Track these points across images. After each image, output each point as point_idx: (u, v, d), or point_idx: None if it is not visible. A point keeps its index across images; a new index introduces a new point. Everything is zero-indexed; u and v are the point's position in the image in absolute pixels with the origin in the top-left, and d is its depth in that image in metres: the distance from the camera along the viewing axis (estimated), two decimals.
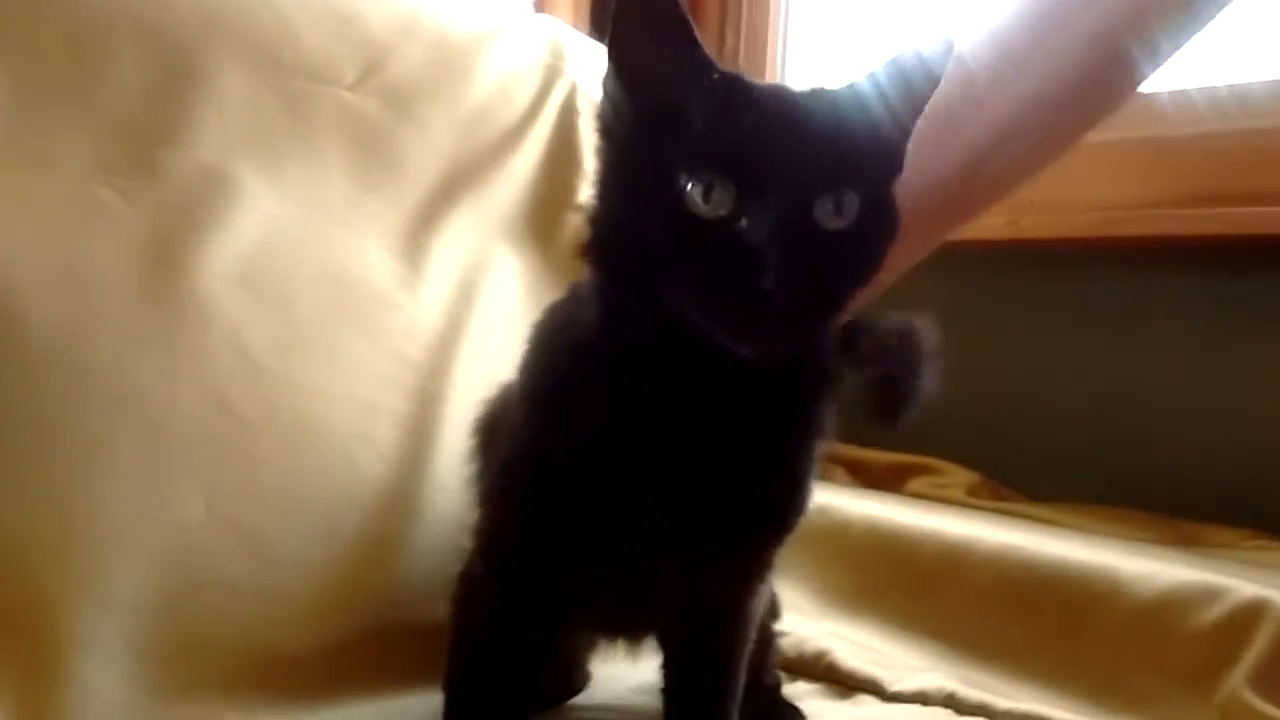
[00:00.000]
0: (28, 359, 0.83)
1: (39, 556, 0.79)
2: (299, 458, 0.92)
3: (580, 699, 0.92)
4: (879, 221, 0.56)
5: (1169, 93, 1.26)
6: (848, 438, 1.47)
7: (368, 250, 1.07)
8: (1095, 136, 1.29)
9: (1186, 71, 1.27)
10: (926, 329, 0.75)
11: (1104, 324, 1.29)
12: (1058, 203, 1.30)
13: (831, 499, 1.18)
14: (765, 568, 0.70)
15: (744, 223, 0.52)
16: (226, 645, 0.84)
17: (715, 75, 0.55)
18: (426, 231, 1.12)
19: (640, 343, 0.58)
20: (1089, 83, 0.75)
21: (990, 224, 1.34)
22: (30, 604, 0.78)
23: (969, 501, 1.28)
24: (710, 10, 1.76)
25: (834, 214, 0.54)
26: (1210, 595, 0.89)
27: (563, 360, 0.63)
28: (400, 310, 1.05)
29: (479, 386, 1.02)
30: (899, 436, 1.42)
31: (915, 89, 0.58)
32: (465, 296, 1.11)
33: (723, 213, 0.53)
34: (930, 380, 0.73)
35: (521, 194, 1.24)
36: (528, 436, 0.64)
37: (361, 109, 1.12)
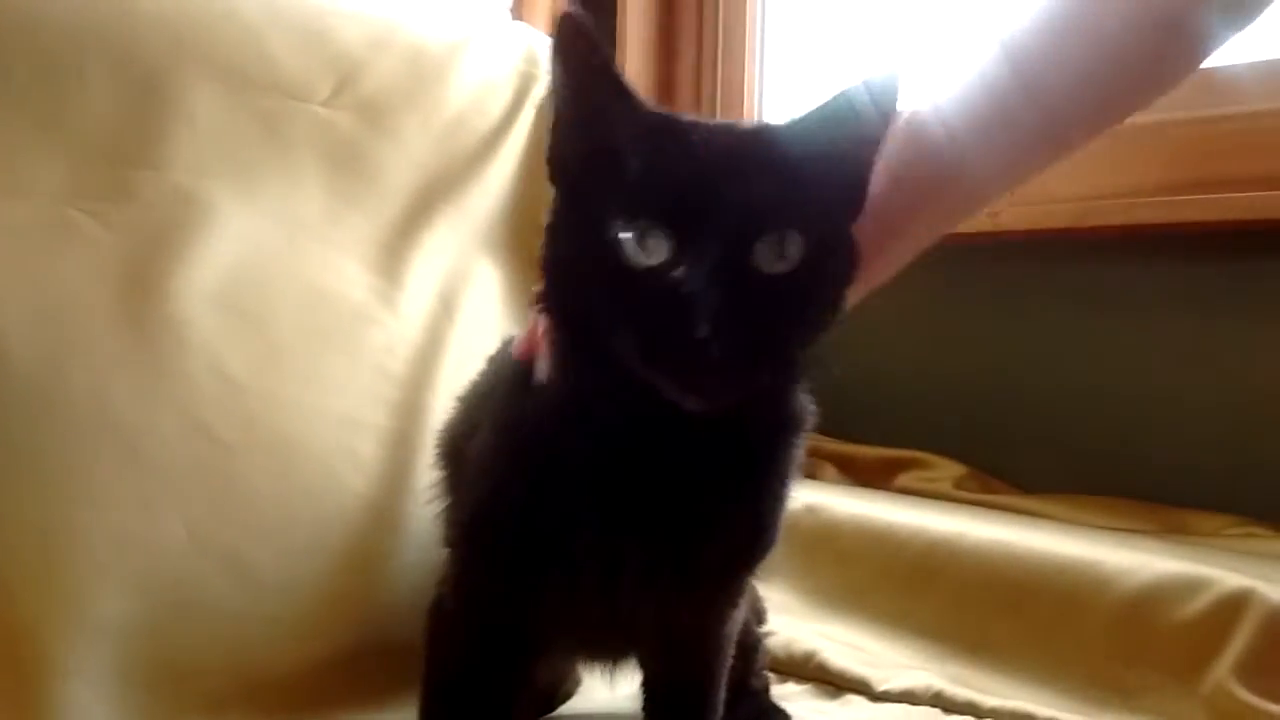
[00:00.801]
0: (5, 388, 0.83)
1: (21, 584, 0.80)
2: (281, 477, 0.92)
3: (569, 706, 0.92)
4: (829, 262, 0.54)
5: None
6: (836, 433, 1.47)
7: (346, 266, 1.07)
8: None
9: None
10: None
11: (1087, 314, 1.29)
12: (1036, 194, 1.29)
13: (819, 497, 1.18)
14: (736, 596, 0.70)
15: (679, 271, 0.51)
16: (212, 668, 0.84)
17: (648, 118, 0.55)
18: (405, 244, 1.12)
19: (595, 392, 0.57)
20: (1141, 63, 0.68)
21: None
22: (14, 632, 0.78)
23: (957, 495, 1.28)
24: (686, 36, 1.75)
25: (777, 257, 0.52)
26: (1195, 586, 0.89)
27: (527, 412, 0.62)
28: (380, 325, 1.05)
29: None
30: (887, 431, 1.42)
31: (866, 123, 0.56)
32: (445, 308, 1.11)
33: (658, 261, 0.51)
34: None
35: (499, 202, 1.24)
36: (493, 489, 0.64)
37: (336, 124, 1.12)
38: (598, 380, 0.56)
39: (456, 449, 0.75)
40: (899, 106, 0.57)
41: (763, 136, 0.56)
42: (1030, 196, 1.29)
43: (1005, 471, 1.34)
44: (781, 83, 1.70)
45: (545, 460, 0.60)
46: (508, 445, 0.64)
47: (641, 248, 0.51)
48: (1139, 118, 1.23)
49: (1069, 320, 1.31)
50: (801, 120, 0.56)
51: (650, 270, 0.51)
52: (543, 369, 0.61)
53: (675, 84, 1.75)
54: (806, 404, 0.62)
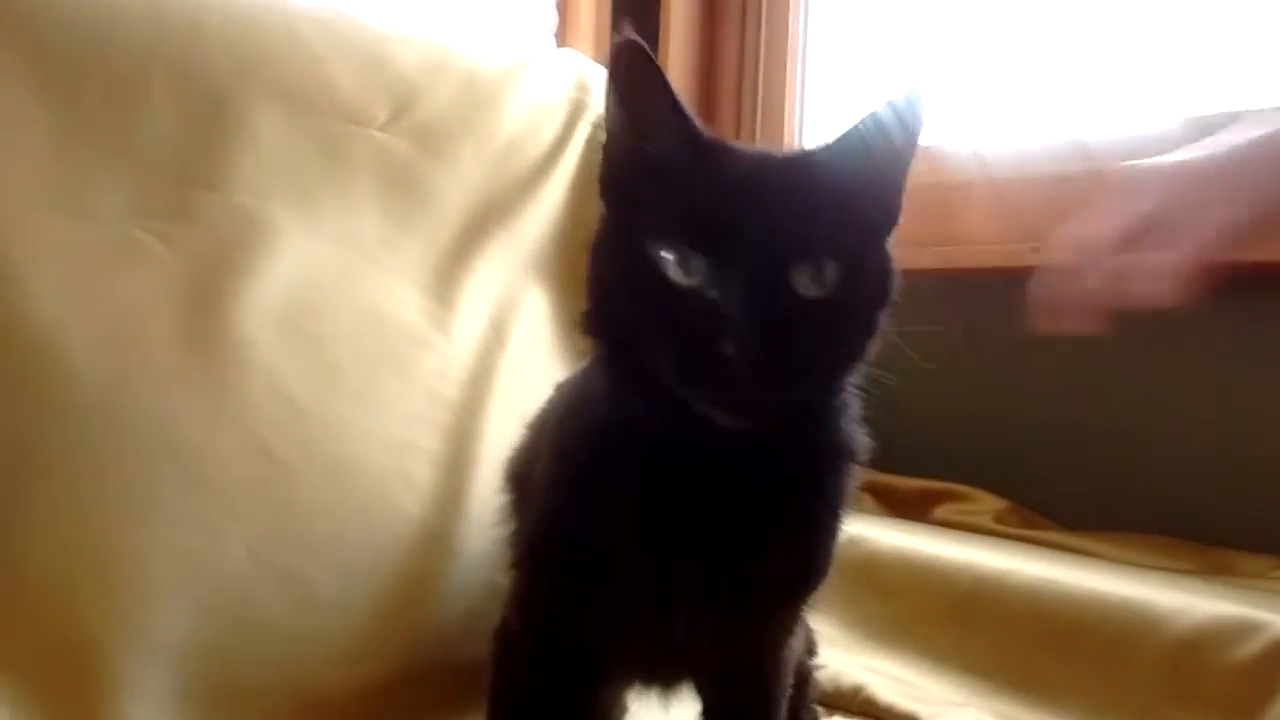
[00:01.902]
0: (75, 410, 0.85)
1: (85, 603, 0.81)
2: (338, 499, 0.93)
3: None
4: (864, 286, 0.56)
5: (1188, 119, 1.26)
6: (874, 463, 1.47)
7: (401, 289, 1.08)
8: (1113, 163, 1.31)
9: (1206, 97, 1.28)
10: None
11: (1132, 349, 1.29)
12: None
13: (861, 529, 1.18)
14: (792, 624, 0.71)
15: (715, 293, 0.53)
16: (269, 687, 0.85)
17: (699, 142, 0.57)
18: (458, 269, 1.14)
19: (643, 413, 0.58)
20: None
21: (1012, 251, 1.34)
22: (77, 650, 0.79)
23: (998, 529, 1.28)
24: (727, 57, 1.77)
25: (813, 282, 0.54)
26: (1248, 629, 0.88)
27: (582, 438, 0.63)
28: (433, 349, 1.06)
29: (512, 423, 1.02)
30: (926, 463, 1.42)
31: (895, 144, 0.57)
32: (497, 333, 1.12)
33: (696, 282, 0.53)
34: None
35: (550, 228, 1.25)
36: (552, 515, 0.65)
37: (393, 149, 1.14)
38: (640, 398, 0.58)
39: (522, 474, 0.76)
40: (924, 123, 0.59)
41: (800, 164, 0.59)
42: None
43: (1045, 506, 1.34)
44: (822, 103, 1.71)
45: (598, 484, 0.61)
46: (563, 470, 0.65)
47: (682, 268, 0.54)
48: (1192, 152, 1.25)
49: (1113, 356, 1.31)
50: (834, 145, 0.58)
51: (688, 290, 0.53)
52: (596, 395, 0.62)
53: (716, 104, 1.77)
54: (859, 434, 0.64)
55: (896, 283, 0.59)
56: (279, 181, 1.05)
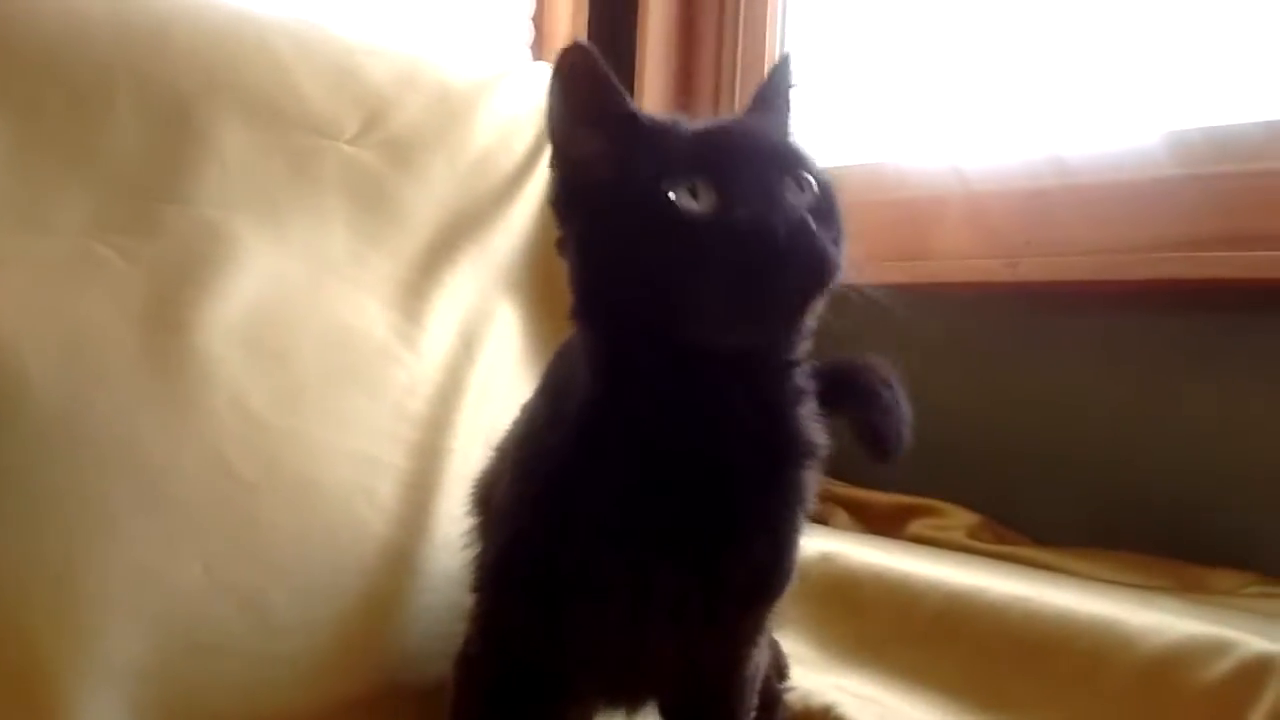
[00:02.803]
0: (30, 424, 0.83)
1: (38, 623, 0.79)
2: (300, 517, 0.92)
3: None
4: (833, 199, 0.61)
5: (1165, 134, 1.26)
6: (849, 478, 1.47)
7: (368, 304, 1.07)
8: (1090, 179, 1.31)
9: (1182, 112, 1.28)
10: (882, 363, 0.81)
11: (1105, 366, 1.29)
12: (1055, 245, 1.30)
13: (834, 545, 1.17)
14: (757, 632, 0.71)
15: (736, 209, 0.56)
16: (229, 710, 0.84)
17: (655, 117, 0.61)
18: (427, 283, 1.13)
19: (634, 394, 0.60)
20: None
21: (988, 266, 1.34)
22: (29, 672, 0.77)
23: (970, 545, 1.27)
24: (706, 40, 1.77)
25: (800, 191, 0.59)
26: (1219, 649, 0.88)
27: (549, 455, 0.63)
28: (401, 364, 1.05)
29: (481, 439, 1.02)
30: (900, 477, 1.42)
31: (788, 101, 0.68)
32: (466, 348, 1.11)
33: (711, 208, 0.56)
34: (907, 409, 0.79)
35: (521, 242, 1.25)
36: (516, 535, 0.65)
37: (363, 162, 1.13)
38: (642, 368, 0.59)
39: (488, 497, 0.75)
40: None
41: (748, 117, 0.66)
42: (1050, 247, 1.31)
43: (1018, 521, 1.34)
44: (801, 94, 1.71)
45: (568, 497, 0.61)
46: (529, 486, 0.65)
47: (694, 198, 0.56)
48: (1160, 171, 1.25)
49: (1087, 371, 1.31)
50: (757, 105, 0.67)
51: (710, 218, 0.56)
52: (568, 410, 0.63)
53: (694, 105, 1.78)
54: (818, 431, 0.65)
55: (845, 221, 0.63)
56: (245, 194, 1.04)
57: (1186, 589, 1.10)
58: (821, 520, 1.36)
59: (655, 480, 0.60)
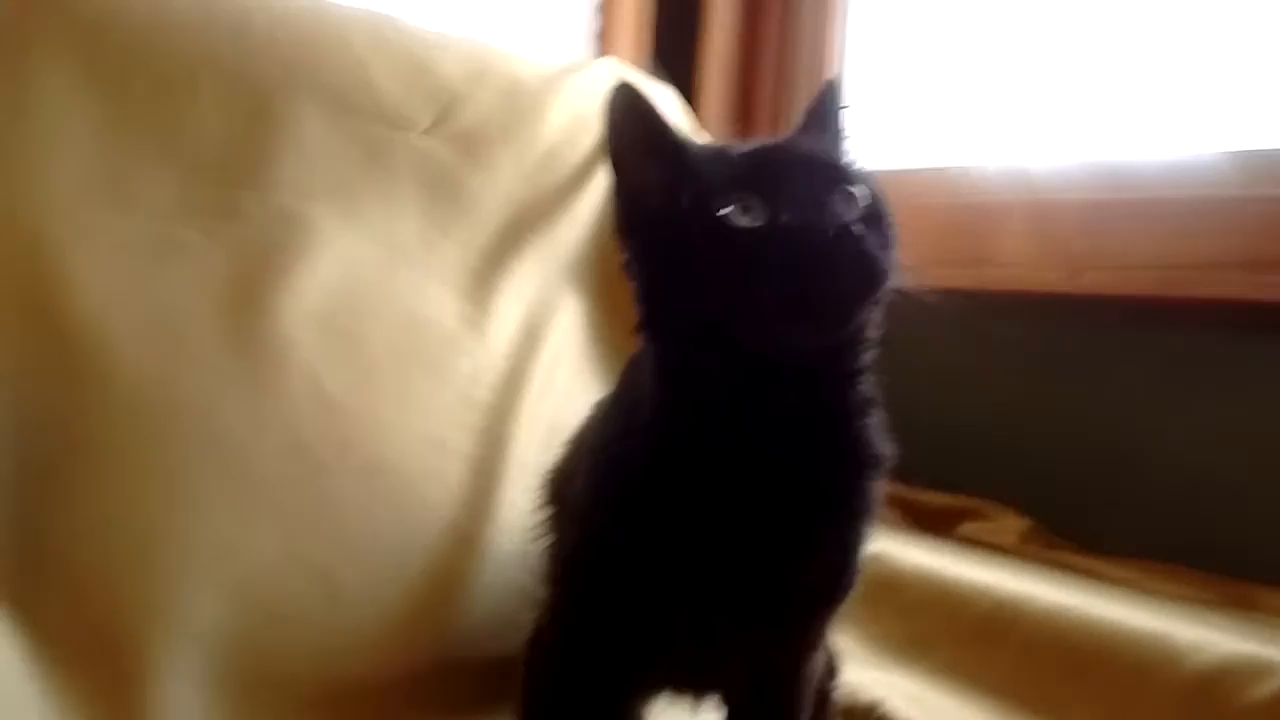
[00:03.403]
0: (118, 399, 0.87)
1: (124, 588, 0.83)
2: (371, 497, 0.95)
3: None
4: (882, 213, 0.62)
5: (1231, 152, 1.26)
6: (900, 477, 1.48)
7: (438, 292, 1.10)
8: (1156, 194, 1.31)
9: (1247, 132, 1.28)
10: None
11: (1165, 379, 1.29)
12: (1118, 258, 1.30)
13: (884, 546, 1.18)
14: (820, 636, 0.73)
15: (785, 218, 0.59)
16: (300, 677, 0.87)
17: (702, 147, 0.64)
18: (495, 273, 1.15)
19: (702, 406, 0.62)
20: None
21: (1048, 277, 1.35)
22: (115, 635, 0.81)
23: (1020, 550, 1.28)
24: (768, 60, 1.79)
25: (848, 206, 0.61)
26: (1265, 670, 0.88)
27: (627, 458, 0.65)
28: (468, 352, 1.08)
29: (542, 428, 1.05)
30: (953, 479, 1.42)
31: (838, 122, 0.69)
32: (530, 338, 1.14)
33: (762, 221, 0.59)
34: None
35: (586, 234, 1.27)
36: (594, 534, 0.68)
37: (434, 154, 1.15)
38: (708, 381, 0.62)
39: (562, 490, 0.78)
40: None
41: (793, 137, 0.68)
42: (1112, 260, 1.31)
43: (1070, 529, 1.34)
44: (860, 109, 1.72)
45: (644, 502, 0.63)
46: (606, 489, 0.67)
47: (745, 215, 0.59)
48: (1224, 190, 1.25)
49: (1147, 385, 1.31)
50: (806, 127, 0.69)
51: (760, 228, 0.59)
52: (638, 417, 0.65)
53: (755, 104, 1.79)
54: (885, 443, 0.67)
55: (897, 232, 0.64)
56: (322, 183, 1.07)
57: (1237, 606, 1.11)
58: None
59: (725, 489, 0.62)
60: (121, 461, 0.86)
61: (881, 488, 0.67)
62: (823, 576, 0.66)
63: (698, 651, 0.68)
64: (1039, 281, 1.35)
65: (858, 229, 0.58)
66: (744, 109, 1.79)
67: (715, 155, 0.63)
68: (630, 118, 0.63)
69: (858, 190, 0.61)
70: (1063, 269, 1.31)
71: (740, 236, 0.59)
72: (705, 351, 0.62)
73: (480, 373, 1.08)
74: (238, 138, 1.05)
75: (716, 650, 0.68)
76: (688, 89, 1.66)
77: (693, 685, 0.76)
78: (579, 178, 1.27)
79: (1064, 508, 1.35)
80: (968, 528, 1.37)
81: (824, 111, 0.69)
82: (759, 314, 0.58)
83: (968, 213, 1.47)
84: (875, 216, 0.61)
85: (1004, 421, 1.42)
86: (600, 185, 1.30)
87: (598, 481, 0.68)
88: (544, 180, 1.24)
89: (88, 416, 0.87)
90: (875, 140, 1.60)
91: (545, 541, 0.78)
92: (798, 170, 0.61)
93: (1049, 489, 1.37)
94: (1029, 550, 1.27)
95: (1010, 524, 1.34)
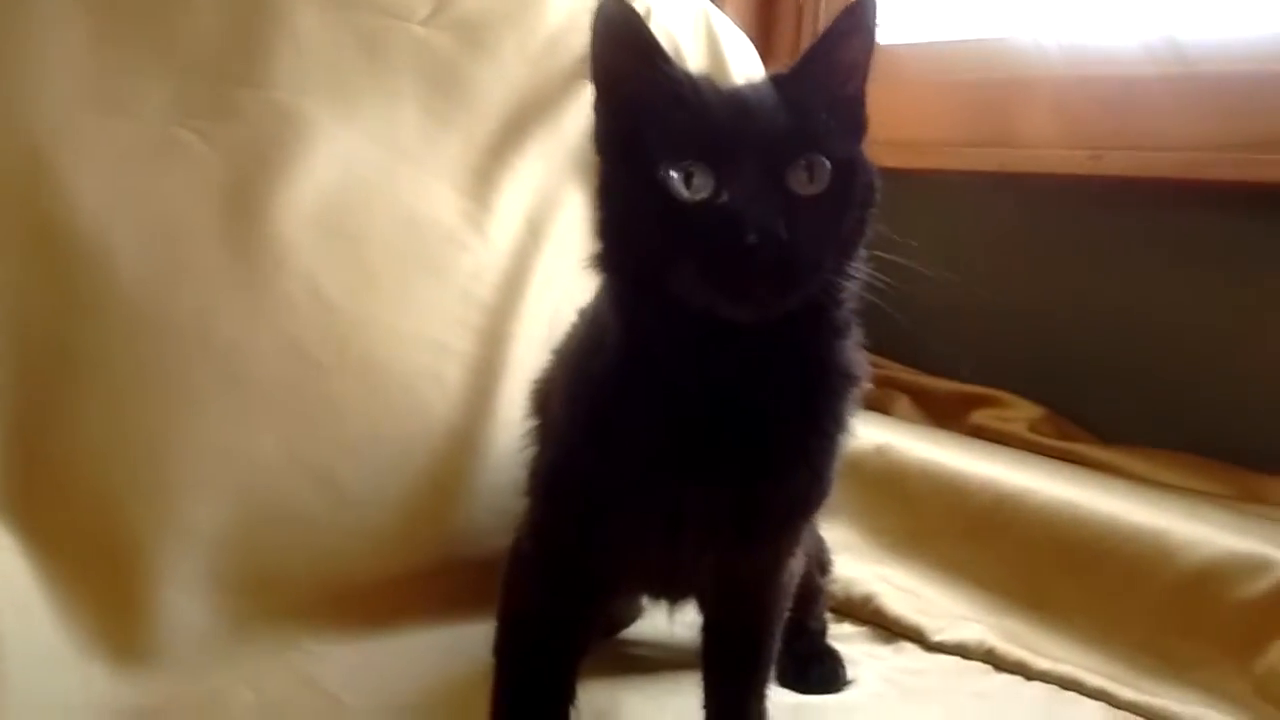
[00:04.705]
0: (117, 306, 0.89)
1: (125, 493, 0.86)
2: (369, 397, 0.97)
3: (630, 632, 0.96)
4: (852, 181, 0.60)
5: (1260, 32, 1.19)
6: (913, 363, 1.47)
7: (438, 189, 1.09)
8: (1178, 70, 1.25)
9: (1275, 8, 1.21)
10: None
11: (1184, 265, 1.25)
12: (1143, 139, 1.25)
13: (890, 437, 1.19)
14: (792, 546, 0.73)
15: (724, 197, 0.57)
16: (301, 577, 0.90)
17: (681, 80, 0.60)
18: (497, 167, 1.14)
19: (657, 342, 0.62)
20: None
21: (1071, 157, 1.30)
22: (119, 540, 0.85)
23: (1031, 439, 1.28)
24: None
25: (808, 180, 0.58)
26: (1259, 566, 0.89)
27: (595, 379, 0.65)
28: (469, 250, 1.07)
29: (545, 326, 1.05)
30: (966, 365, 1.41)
31: (854, 50, 0.62)
32: (533, 235, 1.13)
33: (704, 195, 0.57)
34: None
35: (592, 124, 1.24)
36: (566, 453, 0.68)
37: (434, 44, 1.13)
38: (658, 326, 0.61)
39: (545, 401, 0.79)
40: (876, 33, 0.63)
41: (777, 82, 0.62)
42: (1136, 140, 1.26)
43: (1083, 416, 1.33)
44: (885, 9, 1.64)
45: (611, 423, 0.64)
46: (577, 409, 0.68)
47: (687, 185, 0.57)
48: (1246, 67, 1.19)
49: (1165, 270, 1.27)
50: (798, 65, 0.62)
51: (699, 203, 0.57)
52: (608, 334, 0.65)
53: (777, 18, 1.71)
54: (860, 357, 0.67)
55: (878, 184, 0.62)
56: (318, 77, 1.05)
57: (1242, 497, 1.10)
58: (882, 408, 1.37)
59: (687, 411, 0.62)
60: (120, 370, 0.88)
61: (856, 402, 0.67)
62: (789, 494, 0.66)
63: (667, 563, 0.70)
64: (1058, 162, 1.31)
65: (780, 232, 0.55)
66: (765, 20, 1.72)
67: (688, 99, 0.60)
68: (615, 33, 0.60)
69: (820, 161, 0.58)
70: (1084, 149, 1.26)
71: (674, 206, 0.57)
72: (650, 298, 0.61)
73: (481, 271, 1.07)
74: (232, 35, 1.03)
75: (686, 562, 0.69)
76: None
77: (667, 594, 0.78)
78: (584, 64, 1.23)
79: (1078, 396, 1.34)
80: (980, 415, 1.36)
81: (852, 26, 0.62)
82: (685, 284, 0.58)
83: (986, 89, 1.42)
84: (836, 190, 0.59)
85: (1016, 308, 1.40)
86: None
87: (569, 399, 0.69)
88: (548, 67, 1.21)
89: (87, 327, 0.88)
90: (896, 10, 1.54)
91: (529, 452, 0.79)
92: (757, 138, 0.58)
93: (1063, 376, 1.35)
94: (1038, 440, 1.27)
95: (1023, 412, 1.34)
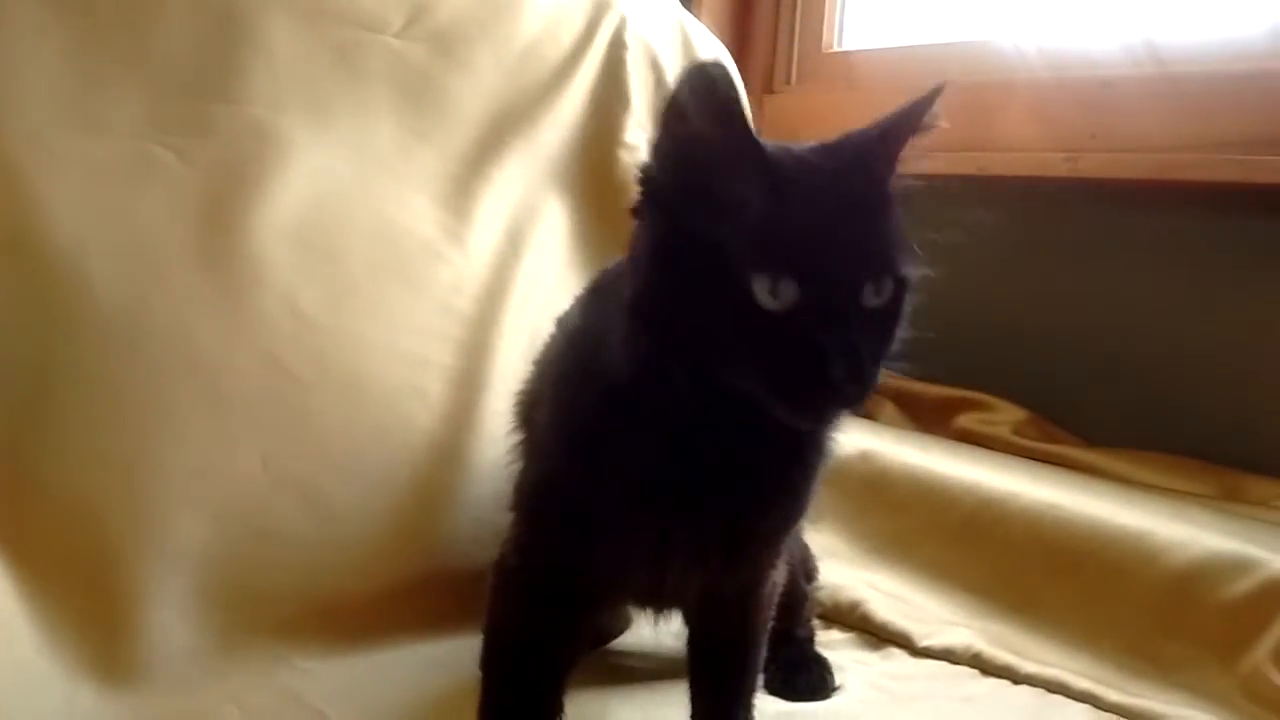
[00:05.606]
0: (95, 324, 0.88)
1: (107, 513, 0.85)
2: (352, 413, 0.96)
3: (619, 643, 0.96)
4: (904, 295, 0.59)
5: (1237, 32, 1.20)
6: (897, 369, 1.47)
7: (416, 201, 1.09)
8: (1157, 73, 1.26)
9: (1254, 9, 1.22)
10: None
11: (1163, 265, 1.26)
12: (1118, 141, 1.26)
13: (874, 443, 1.19)
14: (773, 559, 0.74)
15: (808, 312, 0.54)
16: (286, 593, 0.89)
17: (767, 160, 0.57)
18: (475, 179, 1.13)
19: (677, 400, 0.60)
20: None
21: (1048, 160, 1.31)
22: (102, 558, 0.84)
23: (1016, 442, 1.28)
24: None
25: (875, 294, 0.56)
26: (1243, 567, 0.89)
27: (592, 399, 0.64)
28: (448, 262, 1.07)
29: (525, 337, 1.05)
30: (949, 370, 1.41)
31: (907, 147, 0.60)
32: (513, 245, 1.12)
33: (788, 306, 0.54)
34: None
35: (570, 134, 1.24)
36: (554, 470, 0.68)
37: (409, 56, 1.12)
38: (688, 387, 0.59)
39: (529, 415, 0.78)
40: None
41: (850, 160, 0.59)
42: (1113, 143, 1.26)
43: (1066, 419, 1.34)
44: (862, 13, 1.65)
45: (604, 453, 0.63)
46: (569, 433, 0.67)
47: (773, 293, 0.54)
48: (1224, 67, 1.20)
49: (1145, 271, 1.28)
50: (870, 141, 0.59)
51: (781, 314, 0.54)
52: (612, 363, 0.62)
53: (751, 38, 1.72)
54: None
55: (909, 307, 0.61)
56: (292, 92, 1.05)
57: (1225, 496, 1.11)
58: (866, 413, 1.37)
59: (682, 447, 0.61)
60: (99, 389, 0.87)
61: (840, 431, 0.66)
62: (773, 519, 0.67)
63: (653, 583, 0.70)
64: (1036, 165, 1.32)
65: (865, 372, 0.54)
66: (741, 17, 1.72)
67: (780, 188, 0.56)
68: (715, 107, 0.56)
69: (889, 282, 0.57)
70: (1061, 152, 1.27)
71: (755, 314, 0.54)
72: (692, 372, 0.58)
73: (461, 283, 1.07)
74: (206, 50, 1.02)
75: (671, 582, 0.69)
76: None
77: (651, 605, 0.78)
78: (561, 75, 1.24)
79: (1061, 398, 1.34)
80: (965, 419, 1.37)
81: (909, 123, 0.60)
82: (746, 384, 0.56)
83: (965, 93, 1.42)
84: (894, 307, 0.58)
85: (998, 311, 1.40)
86: (586, 80, 1.26)
87: (560, 420, 0.68)
88: (525, 78, 1.21)
89: (64, 345, 0.87)
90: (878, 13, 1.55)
91: (514, 468, 0.79)
92: (844, 257, 0.56)
93: (1045, 379, 1.36)
94: (1023, 443, 1.27)
95: (1007, 415, 1.34)
